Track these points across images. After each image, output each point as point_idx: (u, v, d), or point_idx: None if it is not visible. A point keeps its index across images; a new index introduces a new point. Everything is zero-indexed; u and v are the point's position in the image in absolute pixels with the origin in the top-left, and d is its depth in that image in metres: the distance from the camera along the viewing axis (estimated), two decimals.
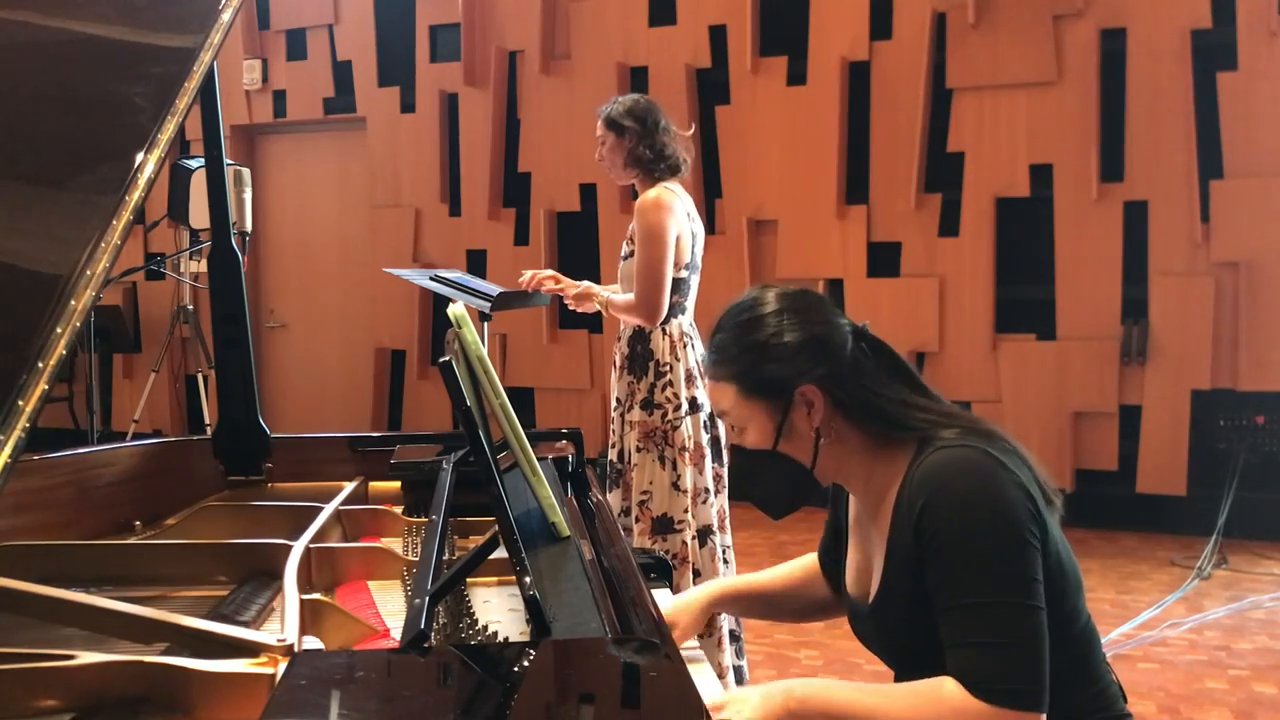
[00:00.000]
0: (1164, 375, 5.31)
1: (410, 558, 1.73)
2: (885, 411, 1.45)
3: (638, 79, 6.22)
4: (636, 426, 3.08)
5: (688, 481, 3.05)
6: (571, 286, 3.27)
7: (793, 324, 1.45)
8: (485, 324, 3.95)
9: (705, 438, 3.11)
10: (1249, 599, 4.38)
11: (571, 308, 3.32)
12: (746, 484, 1.54)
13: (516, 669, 1.09)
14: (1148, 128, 5.30)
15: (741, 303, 1.52)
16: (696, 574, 3.06)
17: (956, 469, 1.36)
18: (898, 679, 1.53)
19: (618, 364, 3.19)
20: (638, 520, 3.06)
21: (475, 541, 1.66)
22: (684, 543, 3.04)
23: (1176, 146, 5.24)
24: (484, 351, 1.47)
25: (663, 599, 1.82)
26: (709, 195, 6.08)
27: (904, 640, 1.46)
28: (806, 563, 1.77)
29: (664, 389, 3.07)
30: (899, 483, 1.43)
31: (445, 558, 1.61)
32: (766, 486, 1.52)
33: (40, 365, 1.19)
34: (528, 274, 3.40)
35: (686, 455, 3.06)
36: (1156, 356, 5.31)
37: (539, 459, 1.59)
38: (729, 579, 1.79)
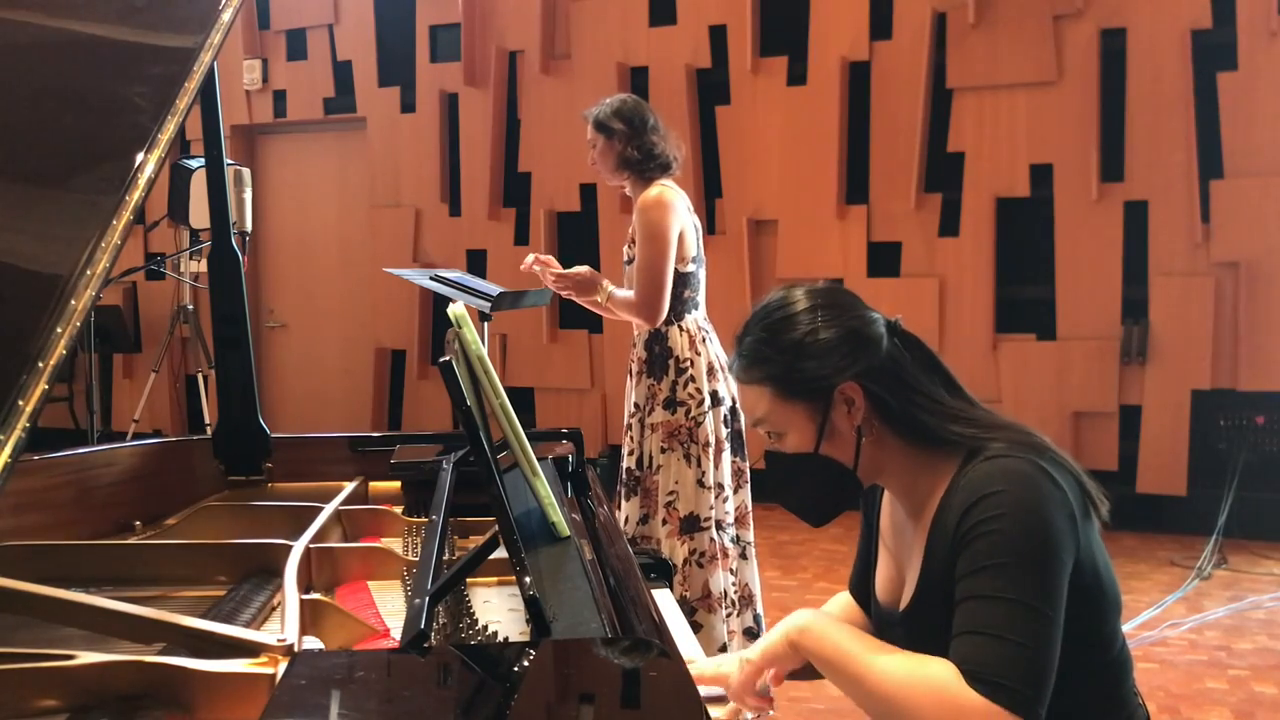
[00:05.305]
0: (1164, 375, 5.31)
1: (410, 558, 1.73)
2: (926, 411, 1.39)
3: (638, 79, 6.22)
4: (660, 428, 3.04)
5: (711, 478, 3.03)
6: (574, 274, 3.12)
7: (828, 320, 1.40)
8: (485, 324, 3.95)
9: (725, 432, 3.08)
10: (1249, 599, 4.38)
11: (570, 296, 3.16)
12: (785, 491, 1.46)
13: (516, 669, 1.09)
14: (1148, 128, 5.30)
15: (769, 303, 1.46)
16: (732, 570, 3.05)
17: (1004, 478, 1.30)
18: None
19: (635, 370, 3.14)
20: (665, 522, 3.02)
21: (475, 541, 1.66)
22: (711, 539, 3.02)
23: (1176, 146, 5.25)
24: (484, 351, 1.47)
25: (663, 600, 1.82)
26: (709, 195, 6.07)
27: (934, 647, 1.40)
28: (842, 600, 1.70)
29: (685, 385, 3.03)
30: (943, 490, 1.37)
31: (445, 558, 1.61)
32: (808, 492, 1.45)
33: (40, 365, 1.19)
34: (531, 257, 3.21)
35: (710, 451, 3.03)
36: (1156, 356, 5.31)
37: (539, 459, 1.59)
38: None
